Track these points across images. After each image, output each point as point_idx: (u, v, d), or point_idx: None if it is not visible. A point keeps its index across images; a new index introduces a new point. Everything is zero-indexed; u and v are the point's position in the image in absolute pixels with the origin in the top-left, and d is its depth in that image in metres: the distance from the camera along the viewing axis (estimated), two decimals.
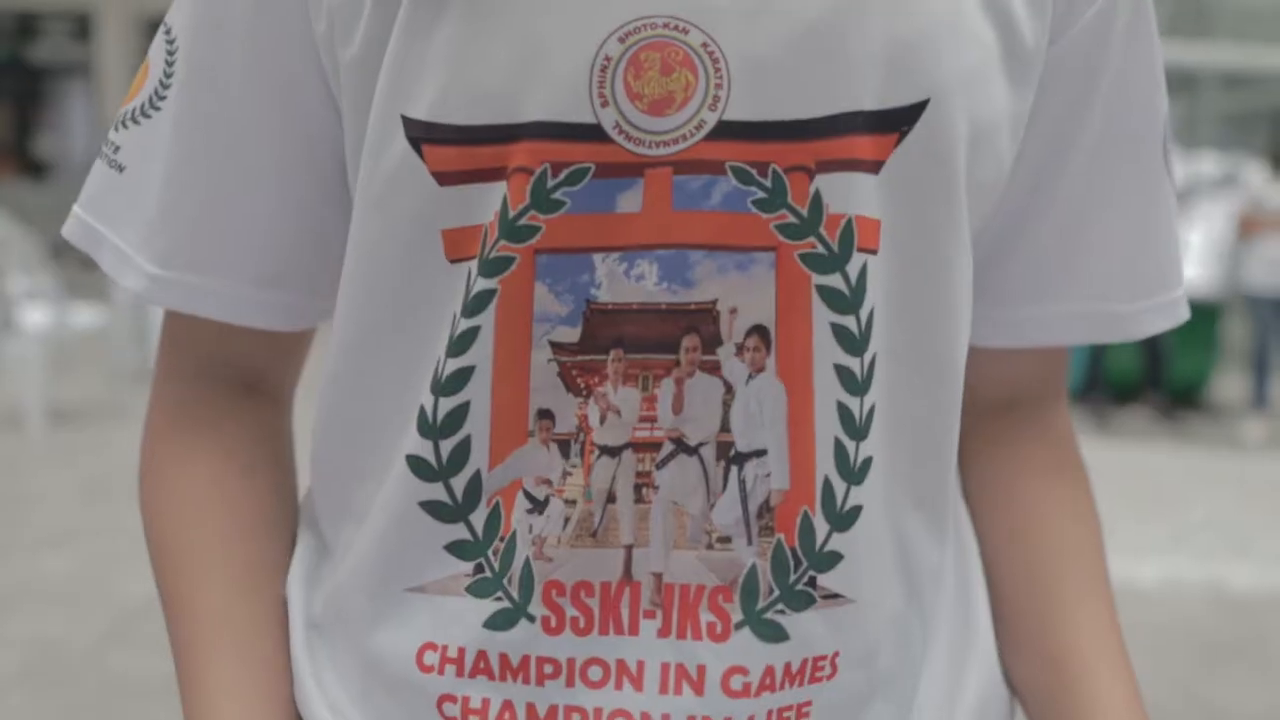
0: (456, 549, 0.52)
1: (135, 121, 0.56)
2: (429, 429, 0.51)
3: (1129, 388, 6.13)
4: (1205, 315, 6.50)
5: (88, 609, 3.03)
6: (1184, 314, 0.61)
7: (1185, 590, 3.58)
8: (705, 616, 0.51)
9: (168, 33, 0.56)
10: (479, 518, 0.51)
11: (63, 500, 4.01)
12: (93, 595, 3.13)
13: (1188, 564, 3.82)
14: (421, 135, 0.49)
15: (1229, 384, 6.73)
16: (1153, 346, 5.79)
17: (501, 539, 0.51)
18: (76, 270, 5.95)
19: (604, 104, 0.47)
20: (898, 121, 0.49)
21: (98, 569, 3.33)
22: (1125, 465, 5.13)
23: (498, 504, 0.51)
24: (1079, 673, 0.58)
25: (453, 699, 0.52)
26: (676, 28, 0.47)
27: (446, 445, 0.51)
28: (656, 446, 0.50)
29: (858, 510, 0.52)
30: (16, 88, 13.66)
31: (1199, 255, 6.58)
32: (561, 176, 0.48)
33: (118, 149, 0.56)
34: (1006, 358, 0.62)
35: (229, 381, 0.60)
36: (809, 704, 0.52)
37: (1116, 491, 4.60)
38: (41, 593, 3.13)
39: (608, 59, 0.47)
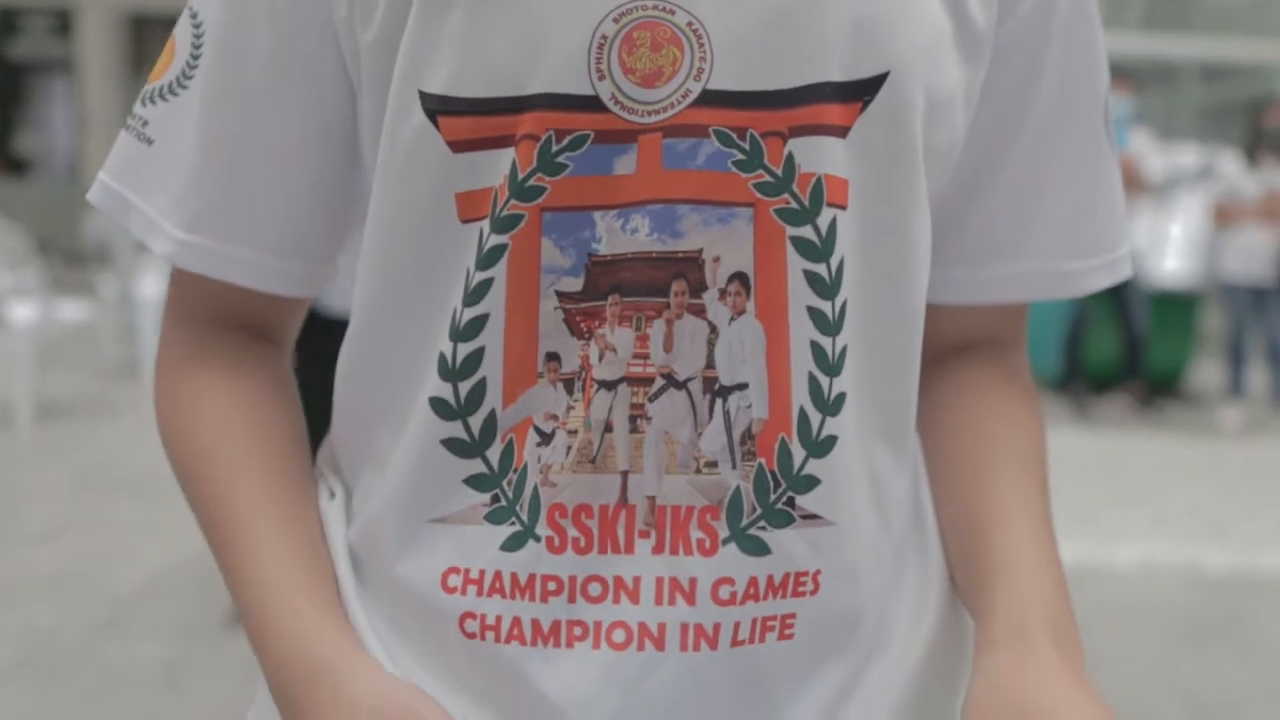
0: (475, 481, 0.57)
1: (163, 98, 0.60)
2: (449, 372, 0.56)
3: (1108, 377, 6.19)
4: (1183, 305, 6.57)
5: (80, 600, 3.05)
6: (1126, 271, 0.66)
7: (1163, 573, 3.64)
8: (695, 534, 0.56)
9: (194, 17, 0.60)
10: (494, 453, 0.56)
11: (52, 494, 4.02)
12: (84, 587, 3.15)
13: (1166, 548, 3.87)
14: (437, 108, 0.54)
15: (1207, 372, 6.80)
16: (1131, 336, 5.83)
17: (515, 470, 0.56)
18: (61, 266, 5.97)
19: (601, 78, 0.53)
20: (862, 91, 0.55)
21: (88, 561, 3.35)
22: (1105, 453, 5.20)
23: (511, 440, 0.56)
24: (992, 527, 0.62)
25: (473, 616, 0.57)
26: (665, 9, 0.53)
27: (464, 387, 0.56)
28: (649, 381, 0.55)
29: (833, 440, 0.57)
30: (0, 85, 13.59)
31: (1179, 246, 6.66)
32: (564, 142, 0.53)
33: (146, 123, 0.61)
34: (969, 310, 0.67)
35: (239, 330, 0.65)
36: (793, 616, 0.57)
37: (1096, 479, 4.67)
38: (33, 585, 3.15)
39: (604, 38, 0.52)
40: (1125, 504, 4.40)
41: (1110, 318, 5.90)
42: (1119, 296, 5.75)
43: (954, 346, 0.68)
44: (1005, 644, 0.56)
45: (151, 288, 6.08)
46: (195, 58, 0.60)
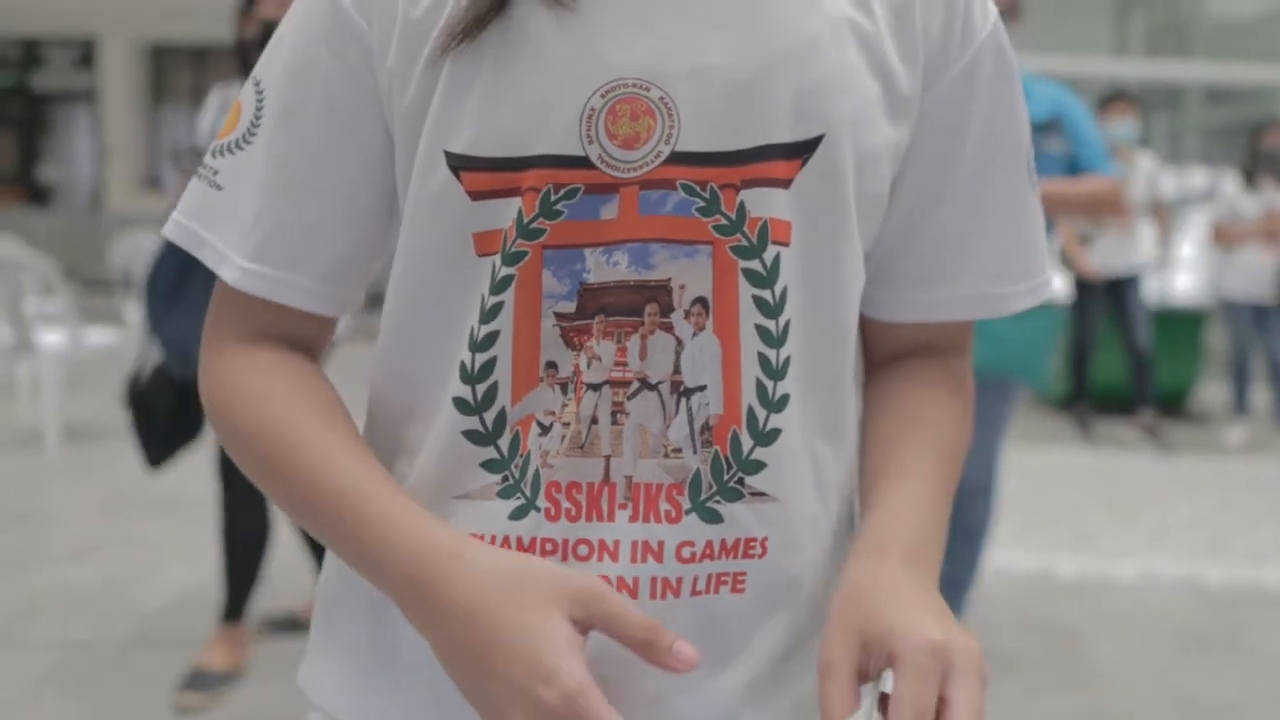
0: (489, 465, 0.69)
1: (230, 152, 0.73)
2: (468, 377, 0.69)
3: (1116, 397, 6.24)
4: (1190, 323, 6.65)
5: (112, 614, 3.16)
6: (1047, 292, 0.78)
7: (1163, 586, 3.72)
8: (663, 505, 0.68)
9: (257, 84, 0.73)
10: (505, 441, 0.69)
11: (82, 514, 4.14)
12: (115, 602, 3.27)
13: (1167, 562, 3.95)
14: (459, 165, 0.67)
15: (1214, 390, 6.87)
16: (1136, 354, 5.87)
17: (520, 456, 0.68)
18: (86, 293, 6.12)
19: (590, 142, 0.66)
20: (802, 150, 0.67)
21: (119, 577, 3.47)
22: (1109, 472, 5.28)
23: (518, 431, 0.68)
24: (884, 479, 0.73)
25: None
26: (641, 86, 0.65)
27: (481, 389, 0.68)
28: (627, 384, 0.68)
29: (778, 432, 0.69)
30: (21, 115, 13.80)
31: (1190, 265, 6.74)
32: (561, 194, 0.66)
33: (216, 172, 0.73)
34: (919, 325, 0.79)
35: (281, 341, 0.75)
36: (744, 574, 0.69)
37: (1100, 497, 4.75)
38: (67, 600, 3.26)
39: (593, 110, 0.65)
40: (1127, 520, 4.48)
41: (1116, 338, 5.96)
42: (1122, 316, 5.83)
43: (907, 350, 0.80)
44: (865, 556, 0.68)
45: None
46: (258, 118, 0.72)
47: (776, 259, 0.68)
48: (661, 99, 0.66)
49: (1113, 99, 5.64)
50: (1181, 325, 6.63)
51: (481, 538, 0.68)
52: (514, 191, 0.67)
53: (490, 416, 0.69)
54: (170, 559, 3.64)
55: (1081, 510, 4.59)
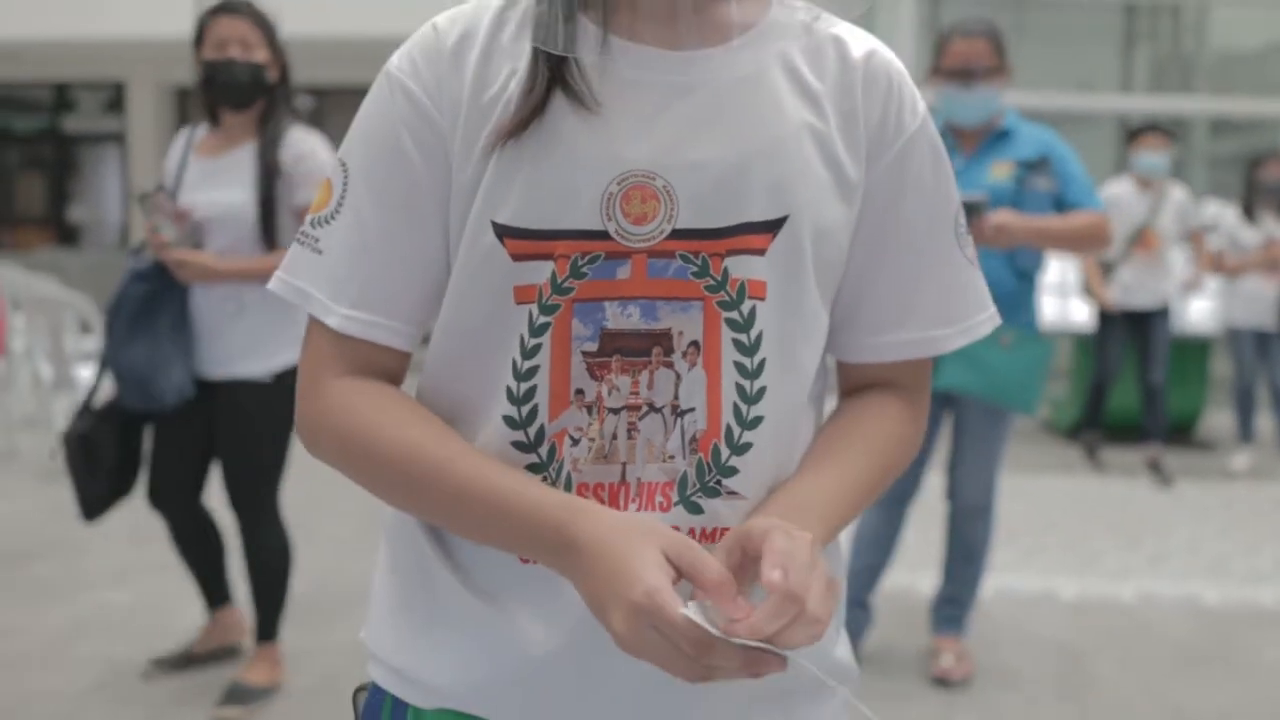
0: (531, 468, 0.87)
1: (325, 222, 0.90)
2: (514, 399, 0.86)
3: (1128, 428, 6.29)
4: (1197, 351, 6.75)
5: (148, 634, 3.32)
6: (981, 331, 0.96)
7: (1162, 605, 3.83)
8: (658, 499, 0.86)
9: (343, 165, 0.90)
10: (544, 450, 0.86)
11: (114, 543, 4.29)
12: (151, 623, 3.43)
13: (1166, 583, 4.06)
14: (504, 232, 0.86)
15: (1221, 418, 6.96)
16: (1148, 386, 5.82)
17: (556, 462, 0.86)
18: None
19: (609, 219, 0.85)
20: (773, 227, 0.86)
21: (153, 601, 3.63)
22: (1114, 499, 5.38)
23: (554, 443, 0.86)
24: (806, 468, 0.90)
25: None
26: (649, 176, 0.85)
27: (524, 409, 0.86)
28: (638, 408, 0.86)
29: (749, 445, 0.87)
30: (52, 157, 14.10)
31: (1208, 292, 6.78)
32: (586, 259, 0.85)
33: (316, 239, 0.90)
34: (877, 365, 0.97)
35: (377, 376, 0.92)
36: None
37: (1105, 523, 4.86)
38: (106, 621, 3.43)
39: (611, 194, 0.84)
40: (1130, 544, 4.59)
41: (1133, 368, 5.90)
42: (1143, 349, 5.74)
43: (872, 384, 0.98)
44: (761, 511, 0.85)
45: None
46: (344, 193, 0.90)
47: (753, 310, 0.86)
48: (664, 186, 0.84)
49: (1144, 131, 5.68)
50: (1189, 353, 6.73)
51: None
52: (548, 256, 0.84)
53: (533, 431, 0.86)
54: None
55: (1085, 535, 4.70)
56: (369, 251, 0.88)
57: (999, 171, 2.95)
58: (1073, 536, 4.67)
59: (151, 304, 2.68)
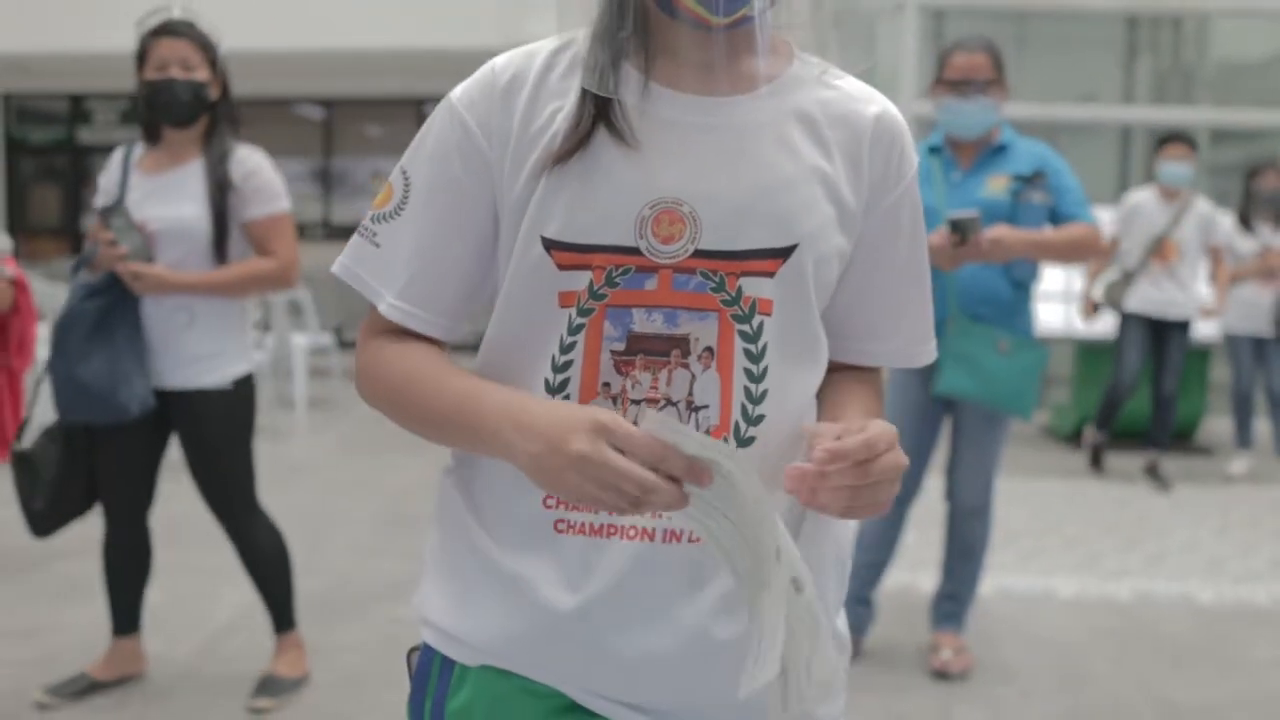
0: None
1: (385, 220, 1.05)
2: (550, 389, 1.00)
3: (1134, 435, 6.37)
4: (1197, 358, 6.85)
5: (179, 631, 3.45)
6: (934, 353, 1.13)
7: (1157, 603, 3.95)
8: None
9: (405, 173, 1.05)
10: None
11: None
12: (181, 620, 3.56)
13: (1162, 583, 4.17)
14: (550, 245, 0.99)
15: (1222, 423, 7.07)
16: (1159, 396, 5.86)
17: None
18: None
19: (640, 237, 0.98)
20: (782, 254, 1.00)
21: (181, 600, 3.76)
22: (1114, 502, 5.49)
23: None
24: (837, 408, 1.08)
25: (563, 520, 1.00)
26: (677, 202, 0.98)
27: (558, 397, 0.99)
28: (656, 402, 0.99)
29: (753, 438, 1.00)
30: (68, 168, 14.27)
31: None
32: (619, 271, 0.99)
33: (375, 234, 1.06)
34: (855, 371, 1.13)
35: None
36: None
37: (1104, 525, 4.98)
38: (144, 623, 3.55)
39: (643, 216, 0.98)
40: (1128, 546, 4.70)
41: (1145, 375, 5.92)
42: (1159, 358, 5.79)
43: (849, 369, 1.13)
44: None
45: None
46: (405, 198, 1.05)
47: (761, 324, 1.00)
48: (690, 212, 0.98)
49: (1168, 140, 5.72)
50: (1190, 360, 6.83)
51: (561, 502, 1.00)
52: (586, 266, 0.99)
53: None
54: (225, 583, 3.92)
55: (1084, 537, 4.81)
56: (418, 254, 1.04)
57: (995, 185, 3.07)
58: (1072, 538, 4.78)
59: (108, 318, 2.74)
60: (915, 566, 4.13)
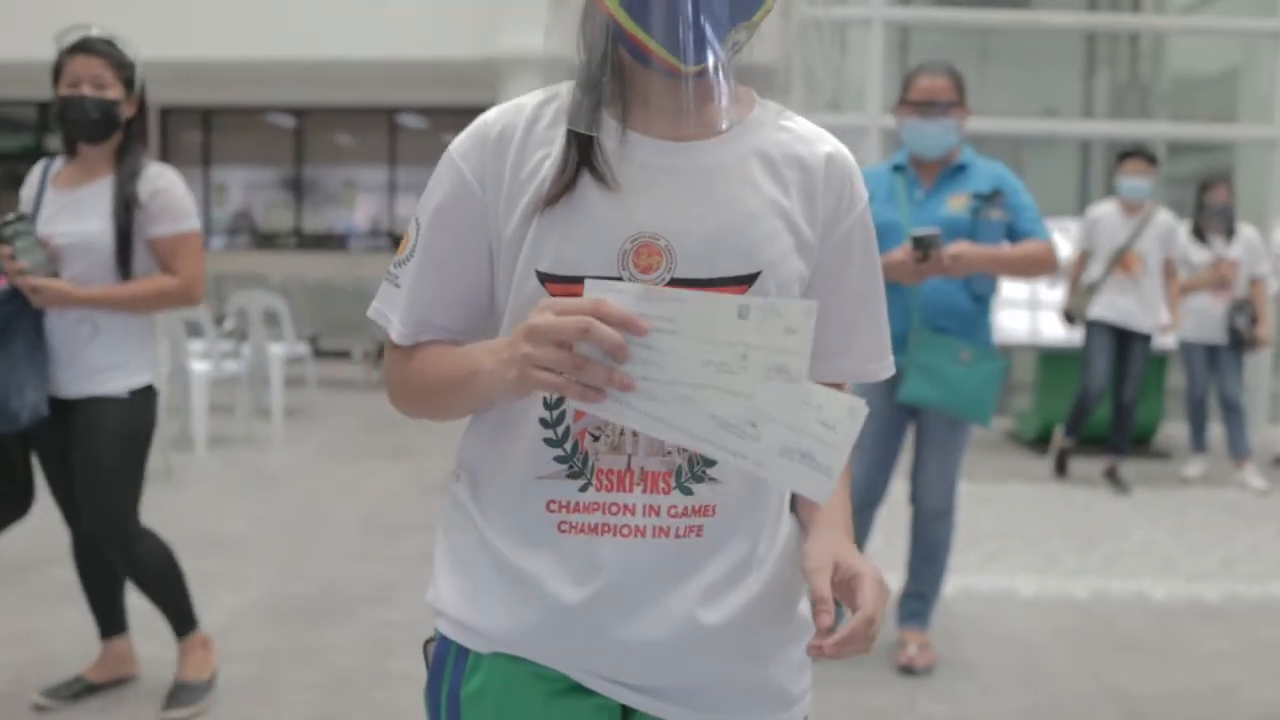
0: (559, 459, 1.12)
1: (403, 264, 1.19)
2: (548, 405, 1.12)
3: (1094, 441, 6.59)
4: (1155, 364, 7.06)
5: (171, 636, 3.54)
6: (892, 368, 1.26)
7: (1112, 601, 4.13)
8: (659, 484, 1.11)
9: (417, 221, 1.18)
10: (569, 445, 1.12)
11: None
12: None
13: (1118, 582, 4.35)
14: (544, 278, 1.11)
15: (1179, 428, 7.28)
16: (1118, 404, 6.05)
17: (580, 453, 1.12)
18: None
19: (623, 268, 1.10)
20: (747, 280, 1.12)
21: None
22: (1074, 505, 5.68)
23: (577, 439, 1.12)
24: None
25: (565, 522, 1.12)
26: (654, 237, 1.10)
27: (555, 413, 1.12)
28: None
29: None
30: None
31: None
32: None
33: (397, 277, 1.19)
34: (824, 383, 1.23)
35: None
36: (703, 526, 1.13)
37: (1064, 527, 5.17)
38: (136, 625, 3.62)
39: (625, 250, 1.10)
40: (1087, 547, 4.88)
41: (1110, 383, 6.10)
42: (1120, 367, 5.97)
43: None
44: (823, 527, 1.13)
45: (200, 365, 6.65)
46: (415, 242, 1.18)
47: None
48: (666, 245, 1.10)
49: (1128, 155, 5.91)
50: (1148, 367, 7.04)
51: (563, 505, 1.13)
52: (577, 295, 1.10)
53: (560, 430, 1.13)
54: (220, 589, 4.04)
55: (1045, 538, 5.00)
56: (422, 284, 1.18)
57: (956, 203, 3.24)
58: (1033, 540, 4.96)
59: (7, 328, 2.80)
60: (884, 568, 4.26)
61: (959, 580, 4.24)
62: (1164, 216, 5.99)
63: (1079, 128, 8.89)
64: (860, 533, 3.42)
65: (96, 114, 2.83)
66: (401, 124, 14.37)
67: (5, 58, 11.87)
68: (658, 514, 1.11)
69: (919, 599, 3.46)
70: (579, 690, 1.16)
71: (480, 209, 1.15)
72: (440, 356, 1.17)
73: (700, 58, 1.05)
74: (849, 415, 1.00)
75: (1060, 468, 6.29)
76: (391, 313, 1.19)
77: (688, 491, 1.12)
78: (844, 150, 1.21)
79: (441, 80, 12.32)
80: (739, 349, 1.00)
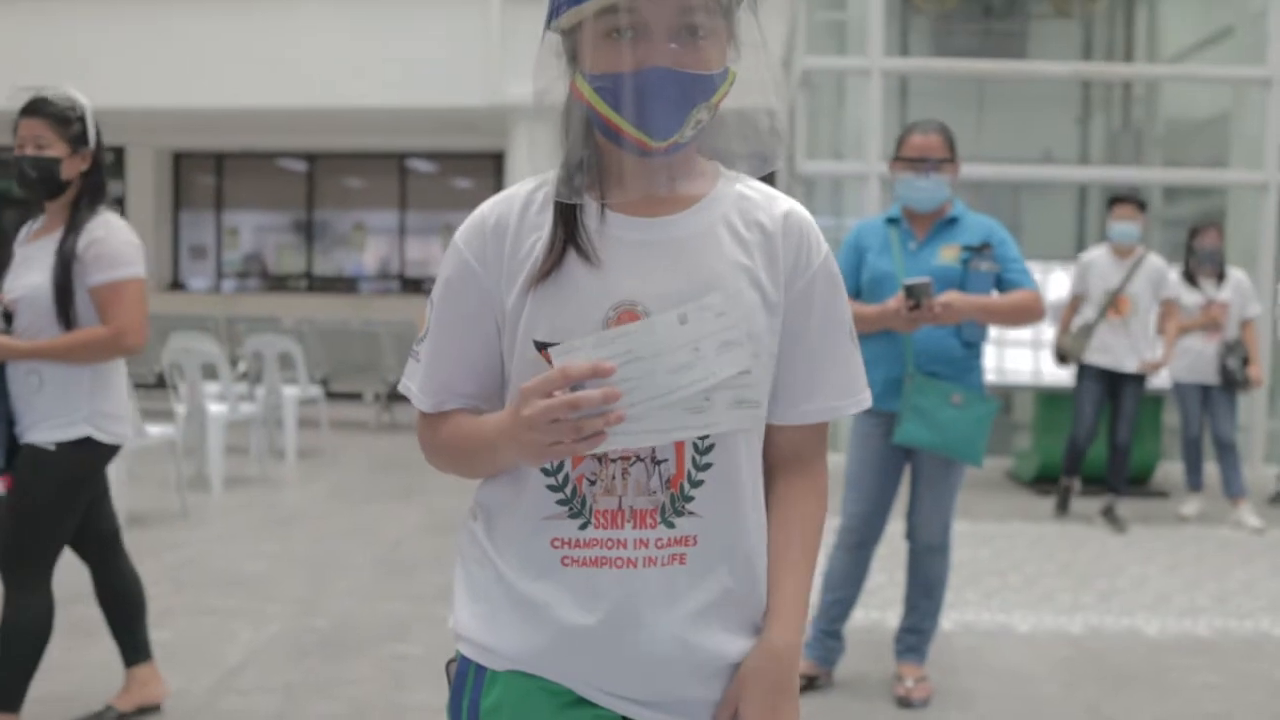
0: (561, 502, 1.28)
1: (422, 341, 1.35)
2: None
3: (1092, 480, 6.72)
4: (1152, 405, 7.20)
5: (196, 668, 3.69)
6: (867, 402, 1.39)
7: (1106, 636, 4.24)
8: (647, 520, 1.27)
9: (430, 303, 1.35)
10: (568, 489, 1.27)
11: (153, 588, 4.63)
12: (198, 657, 3.79)
13: (1112, 617, 4.47)
14: (541, 345, 1.27)
15: (1176, 467, 7.40)
16: (1113, 444, 6.19)
17: (579, 496, 1.27)
18: (142, 396, 6.69)
19: None
20: None
21: (196, 639, 4.00)
22: (1071, 543, 5.80)
23: (575, 484, 1.27)
24: (775, 562, 1.36)
25: (568, 557, 1.28)
26: (633, 303, 1.26)
27: (554, 463, 1.27)
28: (629, 458, 1.26)
29: (702, 482, 1.28)
30: None
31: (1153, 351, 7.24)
32: None
33: (418, 353, 1.36)
34: (792, 429, 1.37)
35: None
36: (686, 555, 1.28)
37: (1061, 565, 5.29)
38: (159, 657, 3.76)
39: (609, 316, 1.26)
40: (1082, 584, 5.00)
41: (1102, 423, 6.28)
42: (1113, 408, 6.14)
43: (785, 459, 1.38)
44: (763, 634, 1.34)
45: (216, 407, 6.81)
46: (431, 321, 1.34)
47: None
48: (644, 310, 1.25)
49: (1118, 201, 6.11)
50: (1145, 408, 7.18)
51: (562, 539, 1.28)
52: None
53: (560, 476, 1.28)
54: (239, 622, 4.17)
55: (1042, 576, 5.12)
56: (439, 358, 1.34)
57: (947, 255, 3.41)
58: (1031, 577, 5.09)
59: None
60: (885, 605, 4.42)
61: (957, 616, 4.37)
62: (1154, 259, 6.16)
63: (1074, 173, 9.08)
64: (859, 569, 3.56)
65: (35, 173, 2.98)
66: (411, 168, 14.62)
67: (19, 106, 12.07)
68: (647, 546, 1.27)
69: (916, 633, 3.59)
70: (584, 703, 1.30)
71: (484, 288, 1.31)
72: (461, 427, 1.32)
73: (666, 135, 1.22)
74: (753, 358, 1.25)
75: (1062, 505, 6.43)
76: (414, 384, 1.35)
77: (671, 525, 1.27)
78: (800, 209, 1.36)
79: (450, 126, 12.56)
80: (690, 346, 1.20)
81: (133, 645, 3.32)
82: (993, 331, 3.60)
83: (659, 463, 1.26)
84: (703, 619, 1.29)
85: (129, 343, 2.97)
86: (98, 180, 3.05)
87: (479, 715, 1.32)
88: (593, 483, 1.26)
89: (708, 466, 1.28)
